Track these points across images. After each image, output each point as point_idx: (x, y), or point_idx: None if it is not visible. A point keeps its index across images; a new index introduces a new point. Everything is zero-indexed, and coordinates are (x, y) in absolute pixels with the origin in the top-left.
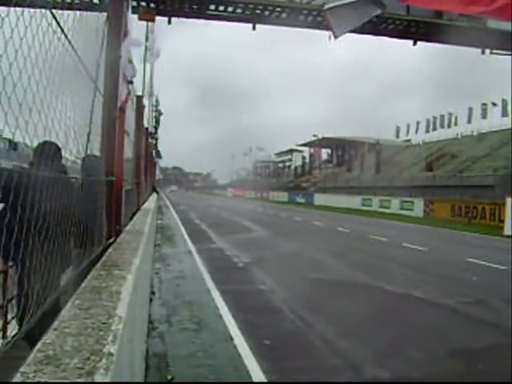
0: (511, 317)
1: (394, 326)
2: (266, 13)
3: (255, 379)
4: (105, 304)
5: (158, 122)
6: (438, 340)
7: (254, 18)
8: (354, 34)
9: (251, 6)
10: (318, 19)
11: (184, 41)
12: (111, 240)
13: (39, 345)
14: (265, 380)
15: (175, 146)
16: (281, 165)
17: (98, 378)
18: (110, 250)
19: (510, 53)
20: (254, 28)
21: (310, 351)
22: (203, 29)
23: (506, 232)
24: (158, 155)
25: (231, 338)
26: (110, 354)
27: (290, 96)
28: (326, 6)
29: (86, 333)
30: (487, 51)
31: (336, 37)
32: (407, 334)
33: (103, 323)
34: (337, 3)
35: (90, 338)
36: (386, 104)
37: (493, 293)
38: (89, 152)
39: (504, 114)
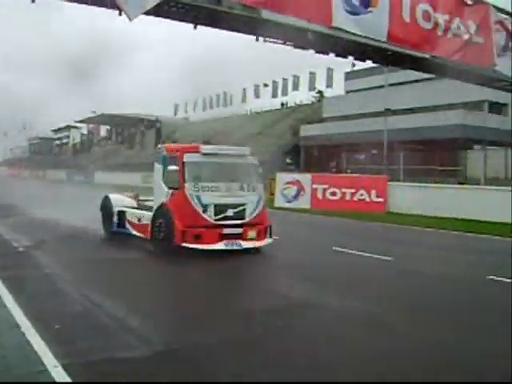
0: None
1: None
2: None
3: (47, 364)
4: None
5: None
6: None
7: None
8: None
9: None
10: None
11: None
12: None
13: None
14: (57, 364)
15: None
16: (58, 142)
17: None
18: None
19: (281, 42)
20: None
21: (101, 330)
22: None
23: (276, 204)
24: None
25: (18, 326)
26: None
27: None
28: None
29: None
30: (261, 39)
31: (130, 19)
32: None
33: None
34: None
35: None
36: (168, 82)
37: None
38: None
39: (274, 95)
